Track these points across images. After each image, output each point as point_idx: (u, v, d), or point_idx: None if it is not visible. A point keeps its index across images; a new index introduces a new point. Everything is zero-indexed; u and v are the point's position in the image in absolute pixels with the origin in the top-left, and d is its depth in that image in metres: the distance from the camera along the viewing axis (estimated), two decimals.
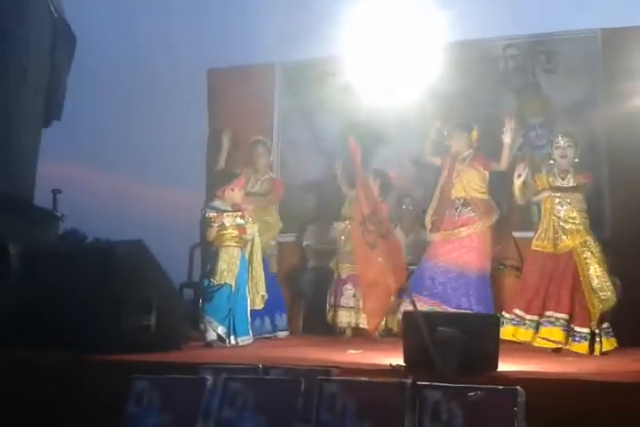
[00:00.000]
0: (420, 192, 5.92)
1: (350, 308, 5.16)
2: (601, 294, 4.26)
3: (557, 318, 4.26)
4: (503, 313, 4.42)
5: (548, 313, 4.29)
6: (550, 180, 4.52)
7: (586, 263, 4.31)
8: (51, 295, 3.90)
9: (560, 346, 4.29)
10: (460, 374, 2.83)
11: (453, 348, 2.95)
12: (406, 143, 6.05)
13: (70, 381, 3.27)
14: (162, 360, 3.39)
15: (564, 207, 4.41)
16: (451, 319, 3.26)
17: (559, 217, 4.41)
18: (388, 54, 5.48)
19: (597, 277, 4.27)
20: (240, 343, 4.57)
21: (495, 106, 5.88)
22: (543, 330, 4.28)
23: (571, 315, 4.26)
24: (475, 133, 5.07)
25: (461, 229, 4.90)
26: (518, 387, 2.21)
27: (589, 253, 4.33)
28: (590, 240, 4.35)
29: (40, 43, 5.63)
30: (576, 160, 4.52)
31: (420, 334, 3.04)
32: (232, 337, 4.56)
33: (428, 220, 5.12)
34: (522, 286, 4.50)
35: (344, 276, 5.19)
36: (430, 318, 3.20)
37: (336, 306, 5.21)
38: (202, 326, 4.55)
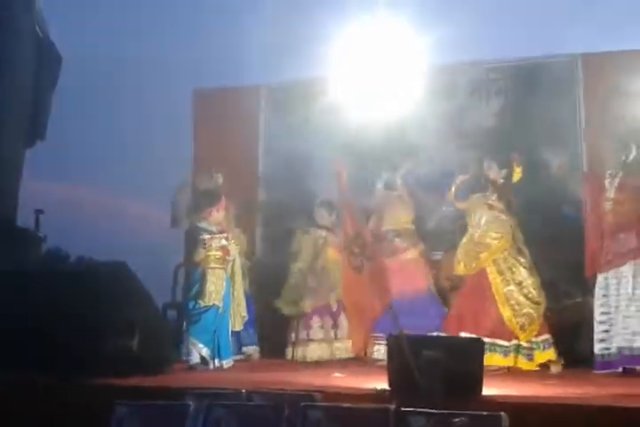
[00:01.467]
0: None
1: (321, 340, 5.12)
2: (517, 308, 4.35)
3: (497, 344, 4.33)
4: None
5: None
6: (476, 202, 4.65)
7: (512, 274, 4.41)
8: (32, 317, 3.85)
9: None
10: (445, 398, 2.83)
11: (438, 372, 2.95)
12: (391, 162, 6.09)
13: (52, 404, 3.22)
14: (145, 384, 3.35)
15: (483, 227, 4.51)
16: (435, 343, 3.25)
17: (476, 237, 4.52)
18: (372, 75, 5.55)
19: (525, 287, 4.38)
20: (224, 366, 4.54)
21: (477, 128, 5.96)
22: None
23: (497, 333, 4.33)
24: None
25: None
26: (502, 413, 2.21)
27: (504, 268, 4.42)
28: (513, 252, 4.45)
29: (24, 62, 5.62)
30: (501, 181, 4.66)
31: (404, 358, 3.04)
32: (216, 360, 4.53)
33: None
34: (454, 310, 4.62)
35: (309, 310, 5.18)
36: (415, 341, 3.19)
37: (303, 341, 5.12)
38: (185, 349, 4.50)
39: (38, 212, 5.44)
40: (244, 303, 4.84)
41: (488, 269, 4.44)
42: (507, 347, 4.32)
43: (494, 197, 4.61)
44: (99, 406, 2.72)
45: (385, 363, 3.38)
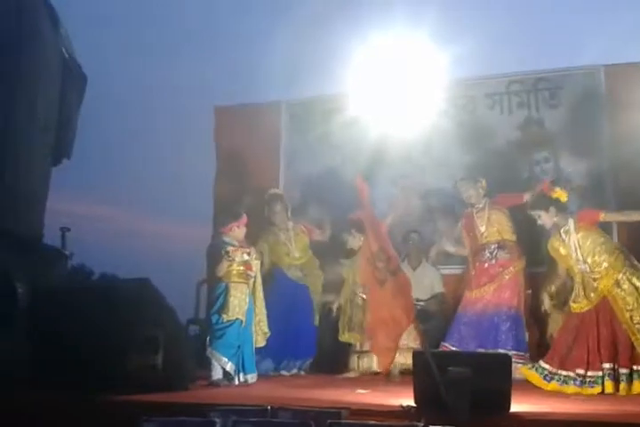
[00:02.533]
0: (427, 227, 5.93)
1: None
2: None
3: (604, 369, 4.08)
4: (562, 371, 4.23)
5: (607, 366, 4.08)
6: (561, 245, 4.39)
7: (625, 304, 4.13)
8: (58, 334, 3.88)
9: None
10: (473, 414, 2.78)
11: (464, 388, 2.90)
12: (412, 178, 6.08)
13: (76, 422, 3.22)
14: (170, 401, 3.35)
15: (589, 260, 4.26)
16: (462, 359, 3.21)
17: (585, 272, 4.28)
18: (393, 90, 5.56)
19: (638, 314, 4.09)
20: (249, 381, 4.52)
21: (500, 141, 5.94)
22: (596, 388, 4.07)
23: (616, 361, 4.07)
24: (484, 183, 5.17)
25: (499, 273, 4.95)
26: None
27: (624, 293, 4.14)
28: (624, 277, 4.17)
29: (50, 82, 5.73)
30: (555, 218, 4.42)
31: (430, 374, 3.00)
32: (241, 374, 4.52)
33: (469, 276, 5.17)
34: (567, 342, 4.30)
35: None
36: (441, 357, 3.15)
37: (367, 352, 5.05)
38: (209, 364, 4.50)
39: (64, 229, 5.52)
40: (265, 319, 4.82)
41: (609, 297, 4.19)
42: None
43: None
44: (123, 423, 2.72)
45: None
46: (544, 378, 4.24)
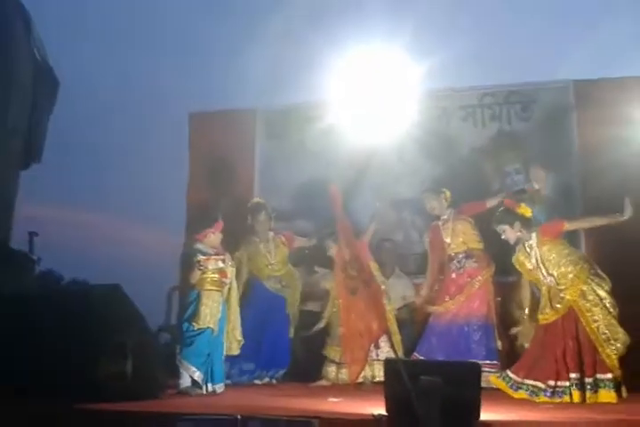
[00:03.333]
0: (399, 236, 5.97)
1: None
2: (612, 341, 4.13)
3: (571, 378, 4.13)
4: (529, 381, 4.25)
5: (573, 376, 4.13)
6: (524, 261, 4.42)
7: (590, 316, 4.18)
8: (24, 340, 3.79)
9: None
10: (443, 423, 2.79)
11: (435, 397, 2.92)
12: (385, 186, 6.13)
13: None
14: (139, 410, 3.29)
15: (554, 273, 4.30)
16: (433, 368, 3.22)
17: (552, 285, 4.31)
18: (368, 100, 5.63)
19: (604, 325, 4.15)
20: (217, 390, 4.47)
21: (472, 153, 6.03)
22: (565, 398, 4.11)
23: (582, 371, 4.12)
24: (448, 194, 5.22)
25: (468, 283, 4.98)
26: None
27: (589, 304, 4.19)
28: (589, 287, 4.22)
29: (21, 85, 5.64)
30: (519, 233, 4.43)
31: (401, 383, 3.01)
32: (209, 384, 4.47)
33: (426, 292, 5.17)
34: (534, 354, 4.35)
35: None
36: (412, 366, 3.16)
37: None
38: (177, 372, 4.44)
39: (32, 234, 5.41)
40: (239, 327, 4.77)
41: (575, 307, 4.21)
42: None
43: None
44: None
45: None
46: (511, 387, 4.28)
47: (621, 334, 4.16)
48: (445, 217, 5.20)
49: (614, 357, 4.13)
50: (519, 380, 4.26)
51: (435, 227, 5.25)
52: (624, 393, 4.13)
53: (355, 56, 5.57)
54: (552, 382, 4.17)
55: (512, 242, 4.47)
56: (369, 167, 6.10)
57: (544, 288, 4.38)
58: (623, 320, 4.20)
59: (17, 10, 5.48)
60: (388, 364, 3.36)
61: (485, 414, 3.10)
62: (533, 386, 4.22)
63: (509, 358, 4.97)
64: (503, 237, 4.49)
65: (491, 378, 4.40)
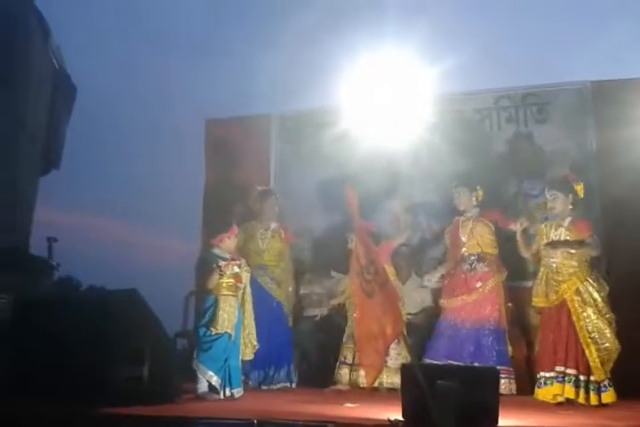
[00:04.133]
0: (415, 240, 5.94)
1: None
2: (600, 343, 4.18)
3: (567, 374, 4.19)
4: (542, 373, 4.34)
5: (558, 369, 4.22)
6: (546, 231, 4.52)
7: (582, 312, 4.24)
8: (43, 345, 3.83)
9: (563, 400, 4.22)
10: None
11: (452, 402, 2.89)
12: (401, 191, 6.11)
13: None
14: (155, 414, 3.31)
15: (556, 259, 4.38)
16: (450, 373, 3.20)
17: (554, 267, 4.40)
18: (382, 105, 5.62)
19: (594, 325, 4.20)
20: (236, 395, 4.47)
21: (489, 156, 5.99)
22: (556, 387, 4.21)
23: (577, 368, 4.19)
24: (480, 193, 5.20)
25: (478, 286, 4.97)
26: None
27: (583, 303, 4.25)
28: (585, 288, 4.28)
29: (40, 92, 5.73)
30: (570, 207, 4.53)
31: (418, 388, 2.99)
32: (227, 388, 4.47)
33: (435, 280, 5.23)
34: (545, 343, 4.42)
35: None
36: (429, 371, 3.15)
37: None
38: (195, 377, 4.46)
39: (51, 240, 5.47)
40: (254, 332, 4.77)
41: (569, 301, 4.29)
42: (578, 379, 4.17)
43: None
44: None
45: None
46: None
47: (610, 340, 4.17)
48: (469, 214, 5.16)
49: (597, 360, 4.13)
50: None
51: (456, 222, 5.23)
52: (610, 398, 4.13)
53: (369, 61, 5.58)
54: (541, 373, 4.30)
55: (555, 211, 4.47)
56: (384, 171, 6.09)
57: (543, 269, 4.44)
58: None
59: (36, 19, 5.57)
60: (405, 369, 3.34)
61: (503, 420, 3.07)
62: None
63: (527, 363, 4.94)
64: (550, 204, 4.50)
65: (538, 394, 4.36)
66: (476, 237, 5.07)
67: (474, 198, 5.17)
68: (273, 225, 5.54)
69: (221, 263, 4.53)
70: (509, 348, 4.94)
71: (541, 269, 4.49)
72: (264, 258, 5.43)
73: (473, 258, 5.04)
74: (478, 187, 5.20)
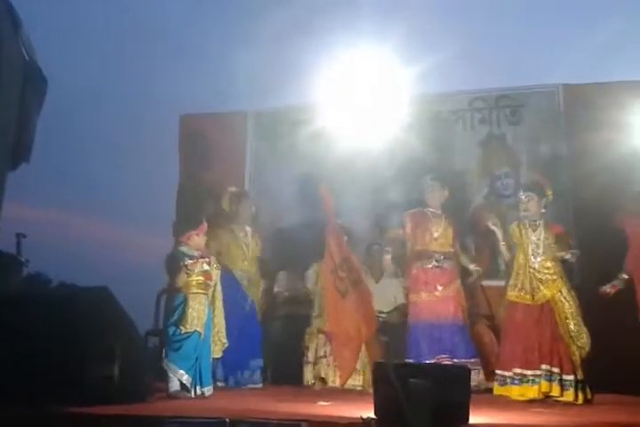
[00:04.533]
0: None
1: None
2: (578, 342, 4.31)
3: (553, 373, 4.25)
4: (500, 372, 4.41)
5: (544, 367, 4.27)
6: (523, 232, 4.59)
7: (564, 312, 4.36)
8: (11, 343, 3.75)
9: (534, 397, 4.28)
10: (432, 426, 2.78)
11: (424, 400, 2.91)
12: (376, 189, 6.14)
13: None
14: (126, 413, 3.26)
15: (538, 259, 4.48)
16: (422, 371, 3.22)
17: (534, 268, 4.47)
18: (359, 103, 5.64)
19: (575, 324, 4.34)
20: (206, 393, 4.45)
21: (461, 156, 6.05)
22: (543, 385, 4.25)
23: (561, 366, 4.26)
24: (446, 193, 5.25)
25: (443, 285, 5.02)
26: None
27: (566, 303, 4.38)
28: (566, 290, 4.42)
29: (9, 85, 5.59)
30: (543, 211, 4.61)
31: (390, 386, 3.00)
32: (198, 387, 4.44)
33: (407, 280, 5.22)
34: (511, 340, 4.46)
35: None
36: (401, 369, 3.16)
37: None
38: (166, 376, 4.42)
39: (20, 236, 5.36)
40: (224, 330, 4.74)
41: (555, 300, 4.39)
42: (571, 381, 4.25)
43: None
44: None
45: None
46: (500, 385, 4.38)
47: (586, 338, 4.30)
48: (438, 212, 5.20)
49: (579, 358, 4.26)
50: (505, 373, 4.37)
51: (422, 214, 5.21)
52: (588, 395, 4.24)
53: (346, 59, 5.59)
54: (518, 371, 4.29)
55: (529, 213, 4.55)
56: (359, 170, 6.11)
57: (522, 267, 4.49)
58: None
59: (5, 9, 5.43)
60: (378, 367, 3.35)
61: (475, 418, 3.10)
62: (501, 375, 4.36)
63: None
64: (523, 206, 4.58)
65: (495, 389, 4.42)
66: (447, 237, 5.12)
67: (442, 196, 5.22)
68: (248, 228, 5.47)
69: (188, 262, 4.48)
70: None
71: (516, 266, 4.55)
72: (246, 264, 5.39)
73: (442, 257, 5.08)
74: (446, 187, 5.26)
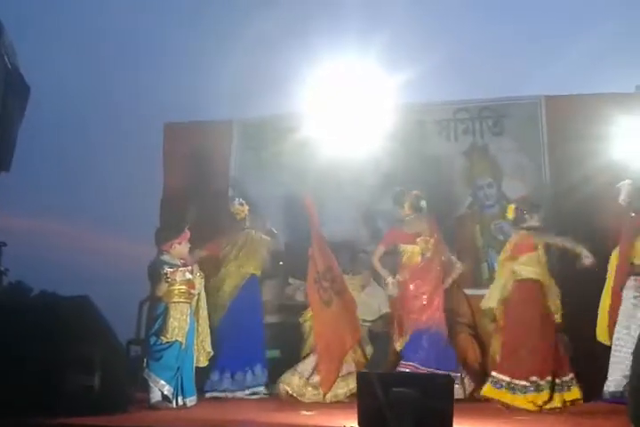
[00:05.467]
0: (372, 247, 5.98)
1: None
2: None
3: (549, 381, 4.27)
4: (498, 375, 4.40)
5: (534, 378, 4.28)
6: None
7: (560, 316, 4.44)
8: None
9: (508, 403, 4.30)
10: None
11: (408, 409, 2.91)
12: (360, 199, 6.16)
13: None
14: (107, 424, 3.22)
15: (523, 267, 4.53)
16: (405, 380, 3.22)
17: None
18: (343, 113, 5.67)
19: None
20: (188, 404, 4.40)
21: (445, 166, 6.10)
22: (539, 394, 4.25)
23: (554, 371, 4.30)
24: (424, 202, 5.18)
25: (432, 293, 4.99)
26: None
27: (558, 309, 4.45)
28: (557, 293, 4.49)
29: None
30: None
31: (374, 395, 3.00)
32: (179, 397, 4.39)
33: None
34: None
35: None
36: (385, 378, 3.15)
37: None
38: (147, 386, 4.36)
39: (0, 244, 5.28)
40: (208, 339, 4.70)
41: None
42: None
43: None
44: None
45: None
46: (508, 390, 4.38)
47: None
48: (413, 216, 5.17)
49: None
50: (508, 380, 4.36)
51: (403, 231, 5.16)
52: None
53: (330, 69, 5.62)
54: (534, 378, 4.27)
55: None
56: (345, 179, 6.12)
57: (505, 275, 4.58)
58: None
59: None
60: (361, 376, 3.34)
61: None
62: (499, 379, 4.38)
63: (481, 368, 5.04)
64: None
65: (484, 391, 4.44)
66: (427, 235, 5.06)
67: (420, 205, 5.17)
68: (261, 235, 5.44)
69: (167, 270, 4.43)
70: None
71: (503, 276, 4.59)
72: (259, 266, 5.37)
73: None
74: (423, 197, 5.20)
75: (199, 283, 4.64)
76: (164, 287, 4.43)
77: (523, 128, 6.03)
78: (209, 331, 4.72)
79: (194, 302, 4.62)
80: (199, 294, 4.66)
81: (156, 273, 4.47)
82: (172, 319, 4.40)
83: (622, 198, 4.57)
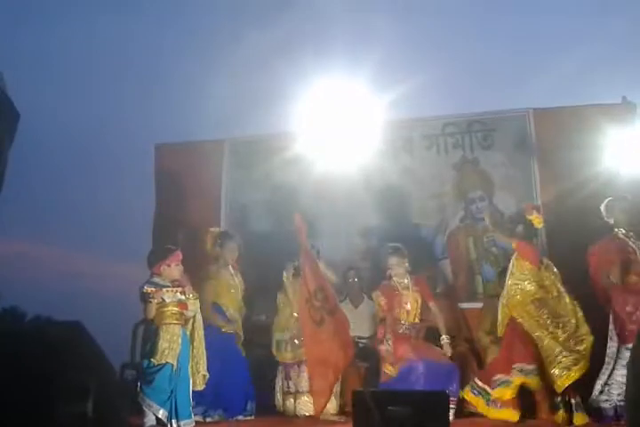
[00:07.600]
0: (367, 264, 5.97)
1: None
2: (555, 364, 4.30)
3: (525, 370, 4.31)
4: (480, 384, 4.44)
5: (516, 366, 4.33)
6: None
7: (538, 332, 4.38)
8: None
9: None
10: None
11: None
12: (353, 215, 6.16)
13: None
14: None
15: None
16: (401, 398, 3.18)
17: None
18: (333, 131, 5.69)
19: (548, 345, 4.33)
20: None
21: (436, 180, 6.12)
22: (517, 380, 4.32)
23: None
24: (406, 264, 4.95)
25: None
26: None
27: (534, 321, 4.40)
28: (533, 308, 4.44)
29: None
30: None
31: (370, 414, 2.96)
32: (174, 421, 4.31)
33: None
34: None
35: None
36: (380, 397, 3.12)
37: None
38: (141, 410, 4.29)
39: None
40: (203, 361, 4.62)
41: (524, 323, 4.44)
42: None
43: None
44: None
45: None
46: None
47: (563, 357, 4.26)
48: (405, 282, 4.94)
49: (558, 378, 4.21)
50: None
51: (391, 288, 4.90)
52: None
53: (320, 88, 5.66)
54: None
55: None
56: (336, 196, 6.13)
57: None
58: None
59: None
60: (356, 395, 3.31)
61: None
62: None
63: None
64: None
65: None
66: (419, 307, 4.89)
67: (406, 265, 4.95)
68: (232, 270, 5.25)
69: (146, 289, 4.34)
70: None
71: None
72: (235, 304, 5.20)
73: (418, 326, 4.88)
74: (406, 255, 4.98)
75: (192, 304, 4.57)
76: (151, 308, 4.36)
77: (512, 141, 6.06)
78: (205, 353, 4.64)
79: (189, 324, 4.55)
80: (195, 315, 4.59)
81: (145, 295, 4.42)
82: (161, 341, 4.31)
83: (606, 216, 4.57)
